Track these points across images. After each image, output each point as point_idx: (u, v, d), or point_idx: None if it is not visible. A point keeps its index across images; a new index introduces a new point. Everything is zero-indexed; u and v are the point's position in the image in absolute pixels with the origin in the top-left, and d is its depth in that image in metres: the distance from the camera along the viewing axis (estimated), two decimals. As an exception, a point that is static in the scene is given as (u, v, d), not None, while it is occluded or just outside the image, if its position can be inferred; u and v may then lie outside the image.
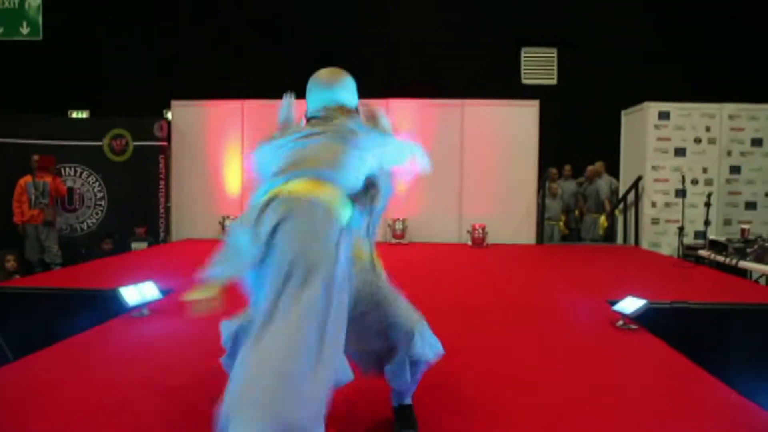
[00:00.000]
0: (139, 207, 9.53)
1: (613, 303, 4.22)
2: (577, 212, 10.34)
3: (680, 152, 9.08)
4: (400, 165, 2.35)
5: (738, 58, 10.74)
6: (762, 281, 6.71)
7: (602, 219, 9.79)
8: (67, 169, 9.46)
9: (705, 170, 9.07)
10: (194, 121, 9.48)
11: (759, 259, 6.31)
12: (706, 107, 9.09)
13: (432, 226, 8.82)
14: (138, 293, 4.16)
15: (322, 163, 2.05)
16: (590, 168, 10.03)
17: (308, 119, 2.40)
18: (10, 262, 7.57)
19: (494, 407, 2.67)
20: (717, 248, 7.06)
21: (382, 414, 2.55)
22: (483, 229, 8.66)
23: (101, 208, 9.57)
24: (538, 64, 11.84)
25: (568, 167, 10.41)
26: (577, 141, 10.67)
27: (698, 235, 8.61)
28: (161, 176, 9.58)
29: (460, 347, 3.59)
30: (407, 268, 6.27)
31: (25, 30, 10.39)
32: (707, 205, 7.49)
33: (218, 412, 1.72)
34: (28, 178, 8.51)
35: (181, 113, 9.56)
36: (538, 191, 9.21)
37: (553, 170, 10.06)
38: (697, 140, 9.07)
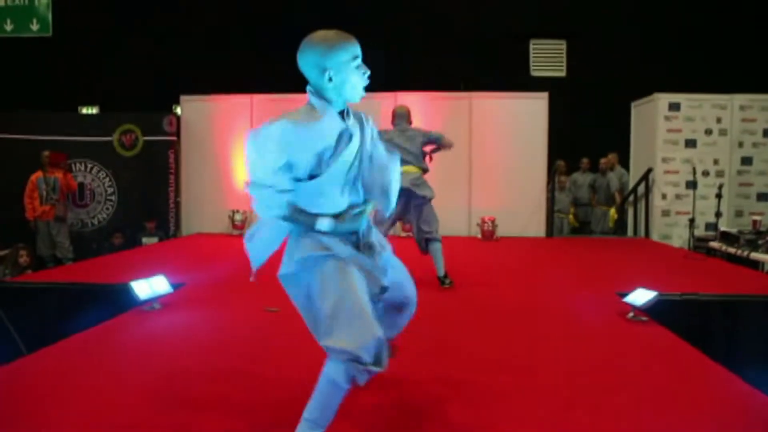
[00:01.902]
0: (149, 202, 9.58)
1: (624, 295, 4.20)
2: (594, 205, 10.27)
3: (691, 144, 9.01)
4: None
5: (749, 49, 10.64)
6: (774, 273, 6.67)
7: (612, 211, 9.75)
8: (78, 164, 9.52)
9: (716, 162, 8.99)
10: (203, 116, 9.50)
11: (771, 251, 6.28)
12: (717, 98, 9.00)
13: (441, 218, 8.75)
14: (149, 287, 4.18)
15: None
16: (603, 160, 9.98)
17: None
18: (24, 257, 7.62)
19: (503, 399, 2.67)
20: (728, 240, 7.02)
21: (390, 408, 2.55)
22: (492, 222, 8.64)
23: (111, 203, 9.62)
24: (547, 56, 11.79)
25: (586, 160, 10.33)
26: (586, 133, 10.62)
27: (709, 226, 8.55)
28: (171, 171, 9.62)
29: (470, 340, 3.60)
30: (417, 262, 6.27)
31: (35, 26, 10.44)
32: (718, 196, 7.43)
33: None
34: (39, 174, 8.55)
35: (191, 108, 9.59)
36: (548, 184, 9.17)
37: (561, 163, 10.01)
38: (708, 131, 9.00)
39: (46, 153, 8.65)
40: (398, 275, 2.34)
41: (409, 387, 2.81)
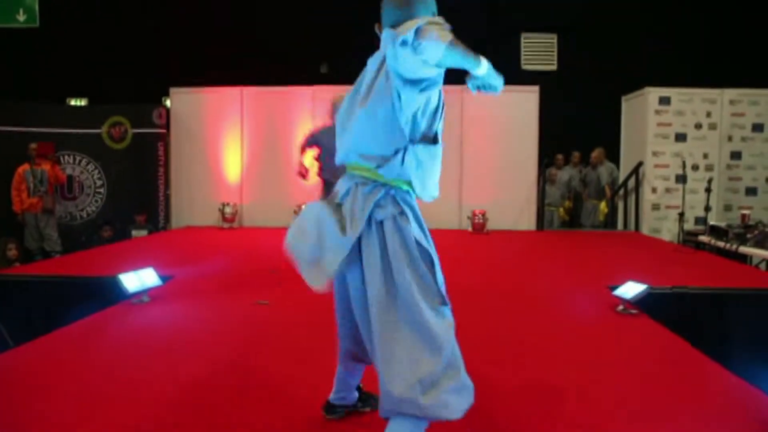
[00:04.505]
0: (139, 194, 9.51)
1: (614, 288, 4.22)
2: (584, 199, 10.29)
3: (681, 138, 9.04)
4: None
5: (739, 43, 10.68)
6: (762, 266, 6.71)
7: (602, 205, 9.77)
8: (66, 156, 9.43)
9: (706, 156, 9.03)
10: (193, 108, 9.43)
11: (759, 245, 6.31)
12: (707, 92, 9.04)
13: (432, 212, 8.71)
14: (138, 280, 4.16)
15: None
16: (594, 154, 10.00)
17: None
18: (12, 251, 7.56)
19: (494, 392, 2.67)
20: (717, 234, 7.05)
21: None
22: (483, 215, 8.65)
23: (100, 196, 9.56)
24: (538, 50, 11.78)
25: (577, 154, 10.33)
26: (577, 127, 10.63)
27: (699, 220, 8.60)
28: (160, 163, 9.56)
29: (460, 334, 3.59)
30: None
31: (21, 17, 10.31)
32: (708, 190, 7.46)
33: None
34: (26, 166, 8.47)
35: (180, 100, 9.51)
36: (539, 177, 9.18)
37: (559, 156, 10.04)
38: (698, 126, 9.03)
39: (34, 145, 8.56)
40: None
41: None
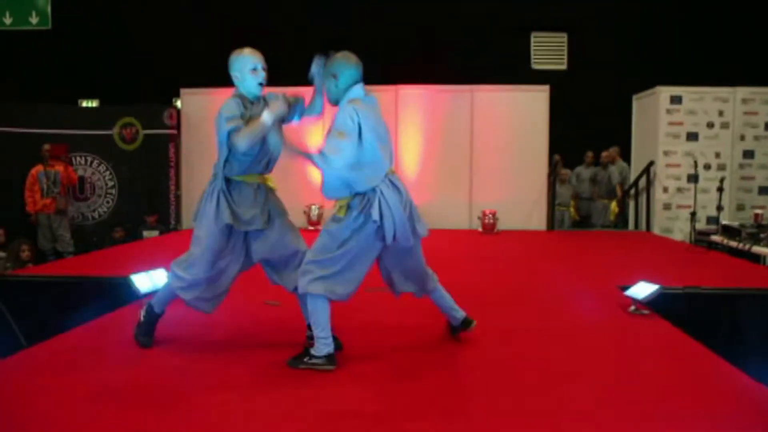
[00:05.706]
0: (150, 195, 9.56)
1: (625, 288, 4.20)
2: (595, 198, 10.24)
3: (692, 137, 8.98)
4: None
5: (751, 41, 10.60)
6: (775, 266, 6.67)
7: (613, 205, 9.72)
8: (78, 158, 9.49)
9: (718, 155, 8.96)
10: (204, 109, 9.44)
11: (772, 244, 6.27)
12: (718, 91, 8.96)
13: (442, 212, 8.76)
14: (149, 280, 4.17)
15: None
16: (605, 153, 9.95)
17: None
18: (26, 252, 7.61)
19: (503, 391, 2.66)
20: (730, 233, 7.00)
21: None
22: (493, 215, 8.63)
23: (112, 197, 9.61)
24: (549, 49, 11.75)
25: (590, 154, 10.28)
26: (588, 126, 10.58)
27: (711, 220, 8.53)
28: (171, 164, 9.60)
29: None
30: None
31: (34, 19, 10.39)
32: (720, 190, 7.41)
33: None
34: (39, 168, 8.54)
35: (191, 101, 9.55)
36: (549, 177, 9.15)
37: (557, 157, 10.00)
38: (710, 125, 8.97)
39: (47, 146, 8.63)
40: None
41: (404, 377, 2.81)
